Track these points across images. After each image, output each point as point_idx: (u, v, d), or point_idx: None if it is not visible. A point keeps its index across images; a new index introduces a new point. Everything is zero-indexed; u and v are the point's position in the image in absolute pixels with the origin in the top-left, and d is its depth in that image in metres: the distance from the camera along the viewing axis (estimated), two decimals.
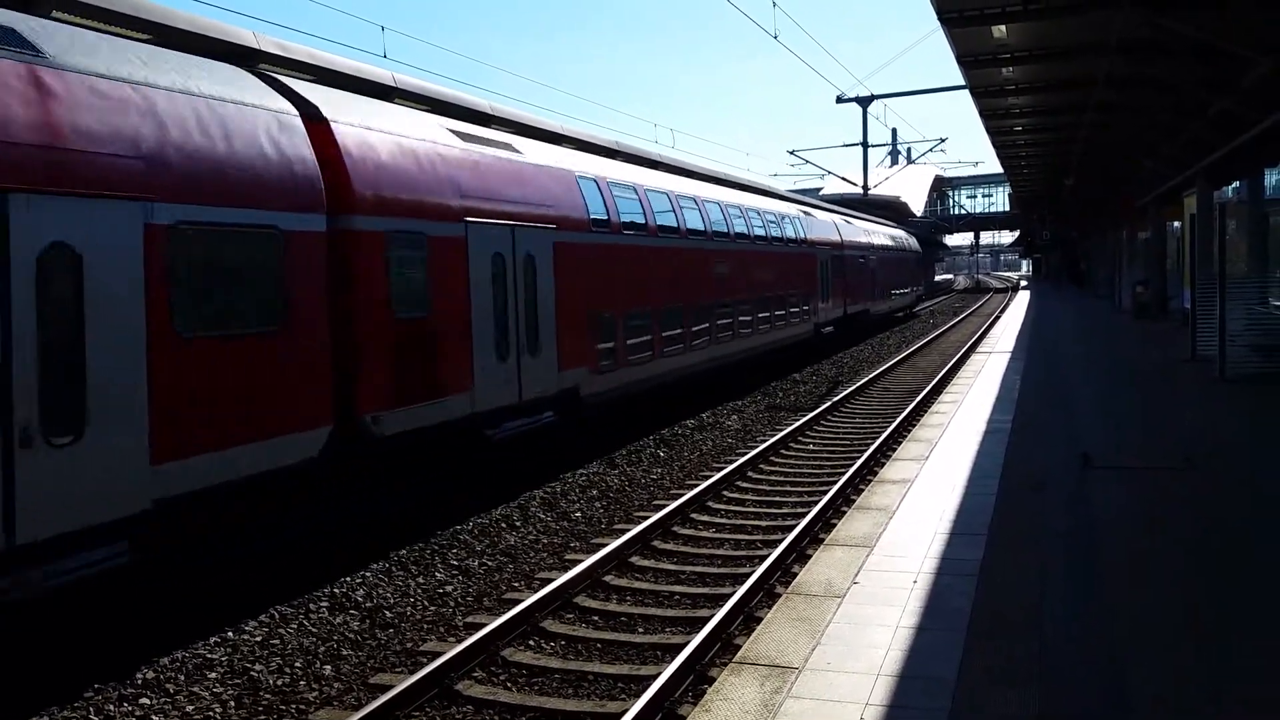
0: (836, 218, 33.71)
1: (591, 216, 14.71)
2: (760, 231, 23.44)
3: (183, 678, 6.96)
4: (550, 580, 8.90)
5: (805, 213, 29.10)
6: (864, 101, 60.46)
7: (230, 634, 7.67)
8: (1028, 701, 4.97)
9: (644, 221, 16.80)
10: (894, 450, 12.45)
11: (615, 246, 15.43)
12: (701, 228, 19.49)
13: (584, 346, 14.25)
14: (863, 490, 10.33)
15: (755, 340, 22.60)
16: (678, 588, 9.03)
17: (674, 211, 18.23)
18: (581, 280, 14.18)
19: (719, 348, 20.09)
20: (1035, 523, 8.27)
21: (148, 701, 6.61)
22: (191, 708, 6.54)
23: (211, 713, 6.49)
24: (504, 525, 11.06)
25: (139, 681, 6.86)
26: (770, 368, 24.86)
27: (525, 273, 12.70)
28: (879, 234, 40.79)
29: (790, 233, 25.96)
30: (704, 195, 20.68)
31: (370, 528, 10.37)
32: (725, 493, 12.38)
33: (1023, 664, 5.41)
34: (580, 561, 9.31)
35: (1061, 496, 9.17)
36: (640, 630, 8.03)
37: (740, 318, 21.37)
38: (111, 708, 6.50)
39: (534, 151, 14.05)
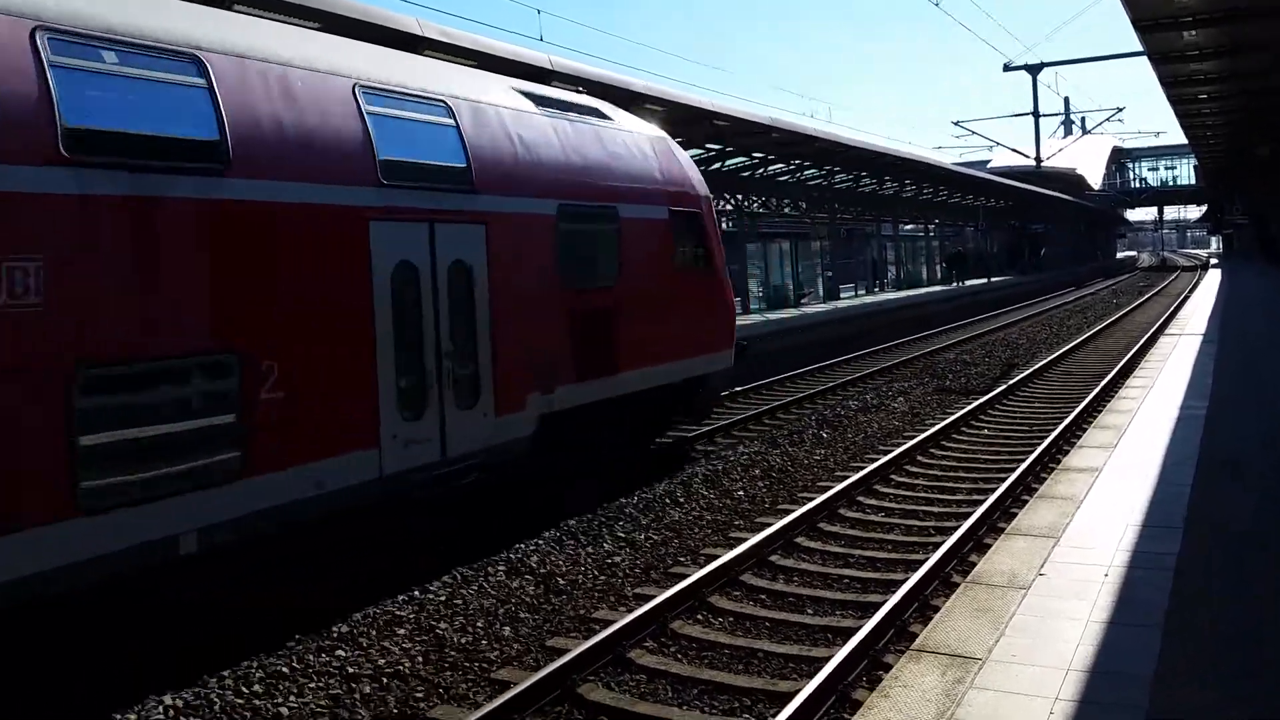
0: None
1: None
2: None
3: (374, 632, 7.39)
4: (716, 556, 8.95)
5: None
6: (1033, 69, 57.50)
7: (417, 593, 8.09)
8: (1229, 704, 4.66)
9: None
10: (1079, 437, 11.85)
11: None
12: None
13: None
14: (1045, 479, 9.89)
15: None
16: (846, 571, 8.91)
17: None
18: None
19: None
20: (1235, 515, 7.71)
21: (343, 653, 7.05)
22: (383, 661, 6.95)
23: (401, 666, 6.87)
24: (668, 501, 11.18)
25: (335, 634, 7.33)
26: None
27: None
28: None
29: None
30: None
31: (541, 497, 10.71)
32: (893, 476, 12.11)
33: (1225, 664, 5.07)
34: (746, 539, 9.31)
35: (1264, 487, 8.50)
36: (809, 611, 7.97)
37: None
38: (311, 657, 6.97)
39: None
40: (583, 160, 11.34)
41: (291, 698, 6.37)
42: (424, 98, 9.40)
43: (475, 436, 9.48)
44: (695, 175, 13.91)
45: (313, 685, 6.54)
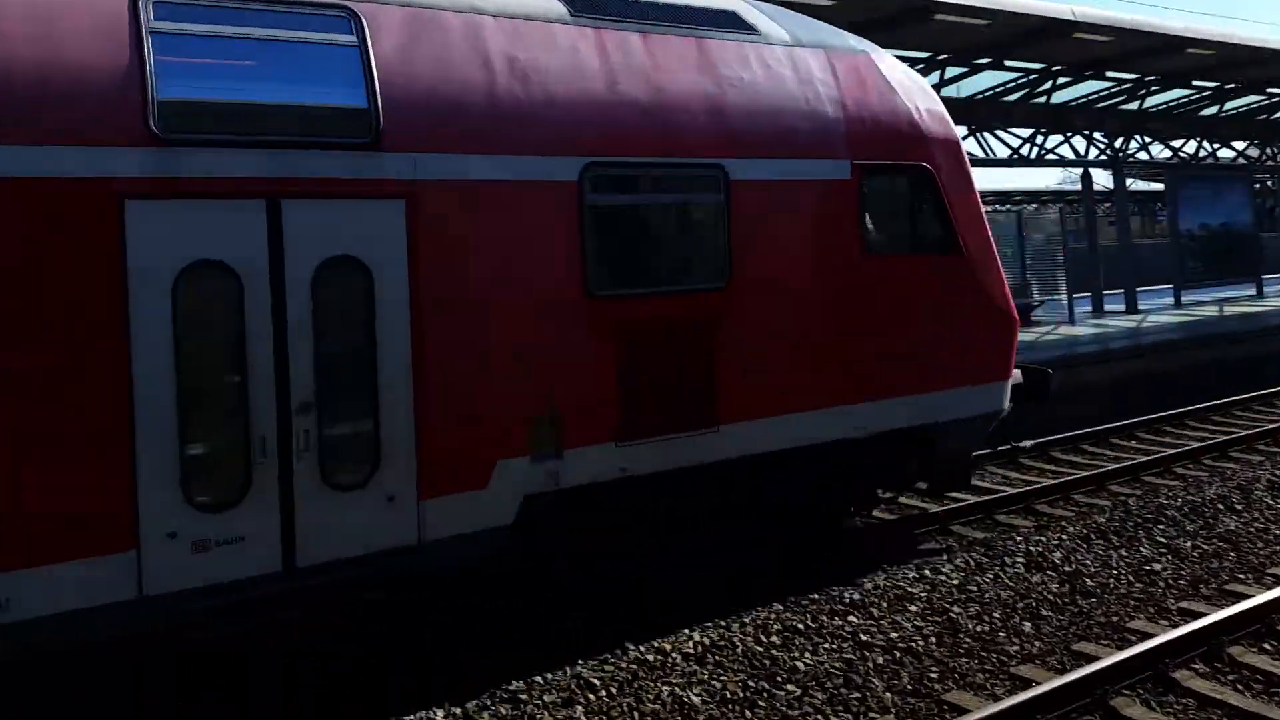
0: None
1: None
2: None
3: (885, 604, 7.38)
4: None
5: None
6: None
7: (928, 572, 7.93)
8: None
9: None
10: None
11: None
12: None
13: None
14: None
15: None
16: None
17: None
18: None
19: None
20: None
21: (855, 620, 7.14)
22: (895, 634, 6.91)
23: (914, 644, 6.78)
24: (1221, 507, 9.69)
25: (846, 601, 7.45)
26: None
27: None
28: None
29: None
30: None
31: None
32: None
33: None
34: None
35: None
36: None
37: None
38: (824, 619, 7.17)
39: None
40: (652, 93, 7.44)
41: (807, 654, 6.60)
42: (294, 5, 6.33)
43: (365, 532, 6.17)
44: (921, 105, 8.90)
45: (827, 645, 6.72)
